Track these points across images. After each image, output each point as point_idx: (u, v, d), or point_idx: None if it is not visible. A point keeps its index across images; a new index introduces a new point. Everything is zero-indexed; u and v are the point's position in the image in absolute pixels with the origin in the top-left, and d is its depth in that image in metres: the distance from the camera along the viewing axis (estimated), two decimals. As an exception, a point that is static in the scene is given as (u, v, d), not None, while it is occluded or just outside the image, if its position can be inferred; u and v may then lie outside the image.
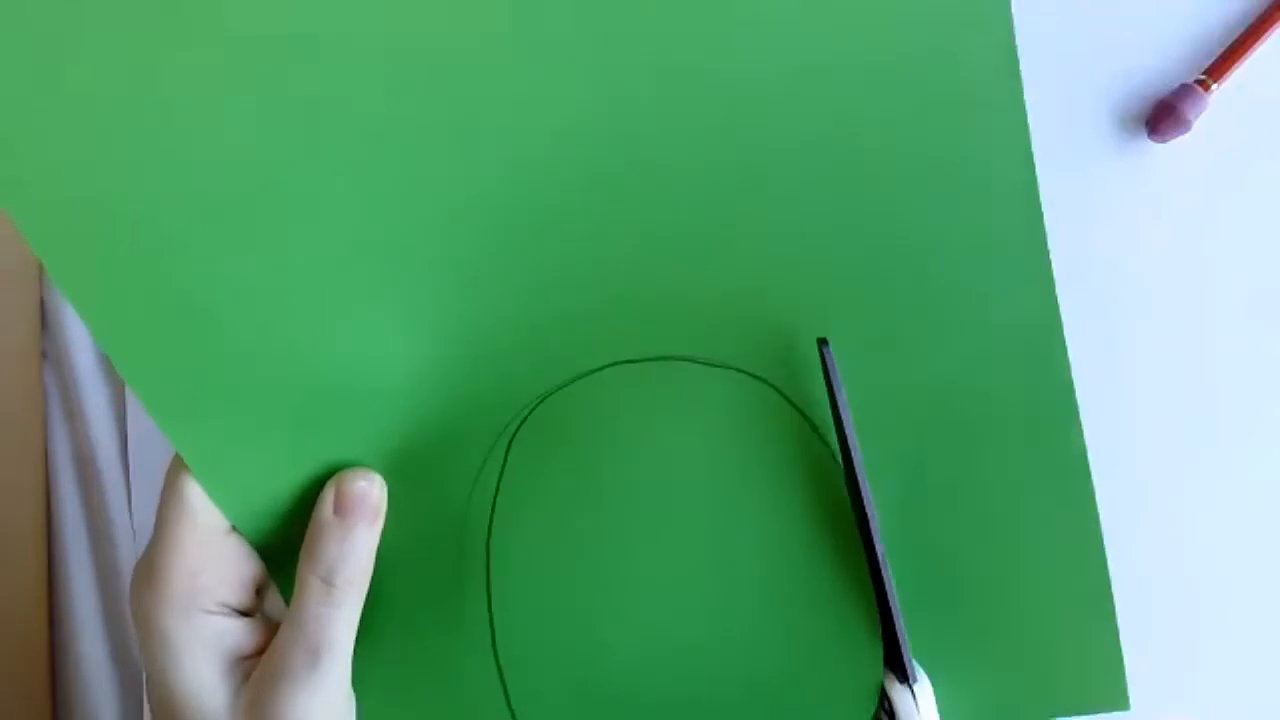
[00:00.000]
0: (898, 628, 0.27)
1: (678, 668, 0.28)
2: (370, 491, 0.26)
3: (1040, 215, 0.27)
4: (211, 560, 0.26)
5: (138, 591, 0.25)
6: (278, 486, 0.27)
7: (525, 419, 0.28)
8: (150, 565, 0.25)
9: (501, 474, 0.28)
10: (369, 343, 0.27)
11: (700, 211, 0.27)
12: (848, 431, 0.27)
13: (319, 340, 0.26)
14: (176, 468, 0.26)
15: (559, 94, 0.26)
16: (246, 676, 0.26)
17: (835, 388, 0.27)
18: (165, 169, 0.24)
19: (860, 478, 0.27)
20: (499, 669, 0.28)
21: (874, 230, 0.27)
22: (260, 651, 0.26)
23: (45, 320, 0.38)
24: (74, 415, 0.37)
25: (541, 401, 0.28)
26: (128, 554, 0.37)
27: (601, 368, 0.28)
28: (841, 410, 0.27)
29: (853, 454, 0.27)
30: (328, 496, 0.26)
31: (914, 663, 0.27)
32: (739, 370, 0.28)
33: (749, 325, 0.28)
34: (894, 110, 0.27)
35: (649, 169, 0.27)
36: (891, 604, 0.27)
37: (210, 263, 0.25)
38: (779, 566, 0.28)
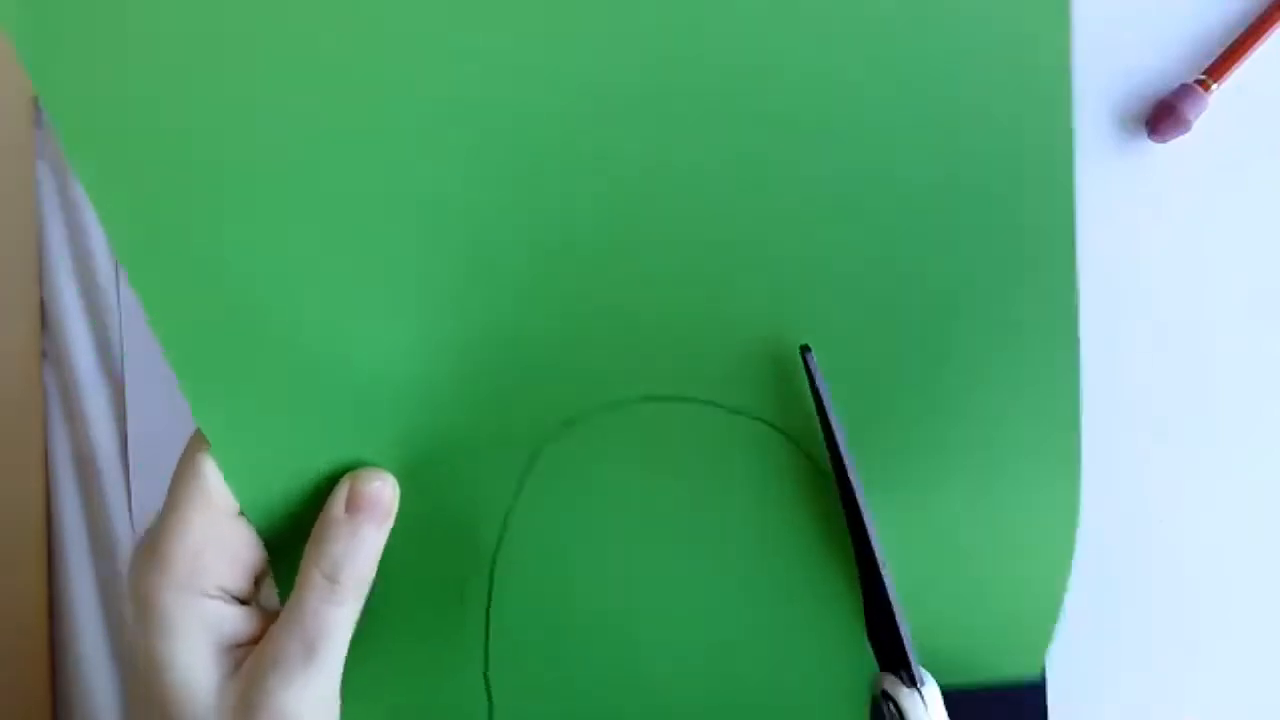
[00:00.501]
0: (902, 633, 0.27)
1: (671, 703, 0.28)
2: (383, 493, 0.26)
3: (1074, 259, 0.27)
4: (216, 543, 0.25)
5: (138, 566, 0.25)
6: (292, 477, 0.27)
7: (547, 442, 0.28)
8: (154, 541, 0.25)
9: (517, 494, 0.28)
10: (403, 349, 0.27)
11: (735, 249, 0.27)
12: (840, 443, 0.27)
13: (354, 341, 0.26)
14: (195, 445, 0.26)
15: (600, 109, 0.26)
16: (237, 665, 0.26)
17: (821, 393, 0.27)
18: (213, 156, 0.25)
19: (857, 488, 0.27)
20: (487, 687, 0.28)
21: (904, 269, 0.27)
22: (253, 641, 0.26)
23: (45, 320, 0.38)
24: (74, 415, 0.37)
25: (565, 427, 0.28)
26: (128, 554, 0.37)
27: (630, 400, 0.28)
28: (830, 416, 0.27)
29: (847, 467, 0.27)
30: (340, 493, 0.26)
31: (919, 666, 0.27)
32: (757, 419, 0.28)
33: (770, 369, 0.28)
34: (931, 148, 0.27)
35: (686, 195, 0.27)
36: (895, 610, 0.27)
37: (254, 253, 0.25)
38: (781, 604, 0.28)
